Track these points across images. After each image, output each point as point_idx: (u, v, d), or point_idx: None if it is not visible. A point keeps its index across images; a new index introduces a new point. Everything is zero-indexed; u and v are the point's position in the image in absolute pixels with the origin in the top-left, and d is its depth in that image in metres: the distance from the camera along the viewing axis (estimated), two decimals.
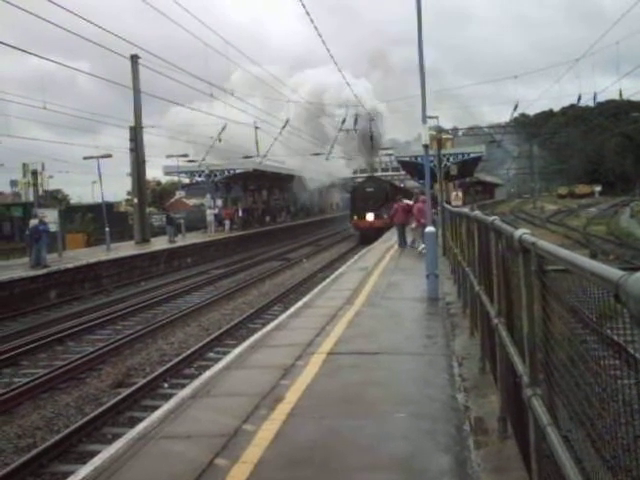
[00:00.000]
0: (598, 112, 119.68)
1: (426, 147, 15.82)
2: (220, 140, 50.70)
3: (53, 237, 31.71)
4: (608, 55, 41.26)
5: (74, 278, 26.85)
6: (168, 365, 13.61)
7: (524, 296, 4.06)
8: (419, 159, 35.50)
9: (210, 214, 47.55)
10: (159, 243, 39.44)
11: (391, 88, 62.64)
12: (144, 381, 12.50)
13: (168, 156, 47.69)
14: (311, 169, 59.97)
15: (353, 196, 51.58)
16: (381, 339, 10.76)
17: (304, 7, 19.48)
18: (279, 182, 62.08)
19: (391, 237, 35.41)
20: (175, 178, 55.24)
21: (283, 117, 53.08)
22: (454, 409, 7.08)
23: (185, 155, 47.86)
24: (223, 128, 49.91)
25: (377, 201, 47.96)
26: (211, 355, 14.76)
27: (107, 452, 6.35)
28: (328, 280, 19.54)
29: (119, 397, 11.42)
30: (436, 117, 32.97)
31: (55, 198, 76.03)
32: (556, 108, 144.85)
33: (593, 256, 23.60)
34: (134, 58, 38.09)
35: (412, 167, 46.36)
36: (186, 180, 54.91)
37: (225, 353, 12.45)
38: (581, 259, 2.63)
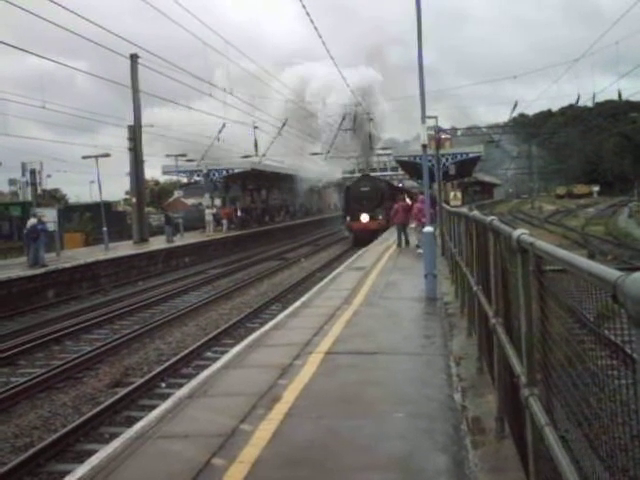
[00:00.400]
0: (597, 112, 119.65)
1: (425, 147, 15.82)
2: (219, 139, 50.75)
3: (51, 236, 31.71)
4: (607, 55, 41.29)
5: (72, 277, 26.83)
6: (166, 365, 13.60)
7: (522, 296, 4.06)
8: (417, 159, 35.52)
9: (208, 214, 47.53)
10: (157, 243, 39.42)
11: (388, 86, 62.38)
12: (141, 381, 12.49)
13: (167, 155, 47.71)
14: (309, 169, 59.85)
15: (347, 196, 48.70)
16: (379, 339, 10.76)
17: (304, 7, 19.49)
18: (277, 182, 62.04)
19: (388, 237, 35.41)
20: (174, 177, 55.14)
21: (271, 114, 52.48)
22: (452, 409, 7.07)
23: (183, 155, 47.85)
24: (222, 127, 49.96)
25: (372, 201, 45.47)
26: (209, 355, 14.75)
27: (104, 451, 6.34)
28: (326, 280, 19.53)
29: (116, 397, 11.41)
30: (435, 117, 32.89)
31: (53, 197, 76.05)
32: (554, 108, 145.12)
33: (591, 256, 23.62)
34: (133, 57, 38.08)
35: (411, 167, 46.38)
36: (185, 180, 54.94)
37: (223, 353, 12.43)
38: (579, 259, 2.62)
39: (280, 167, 59.60)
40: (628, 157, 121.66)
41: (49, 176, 75.74)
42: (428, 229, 15.50)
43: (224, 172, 48.14)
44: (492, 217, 6.44)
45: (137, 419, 8.33)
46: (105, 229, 36.16)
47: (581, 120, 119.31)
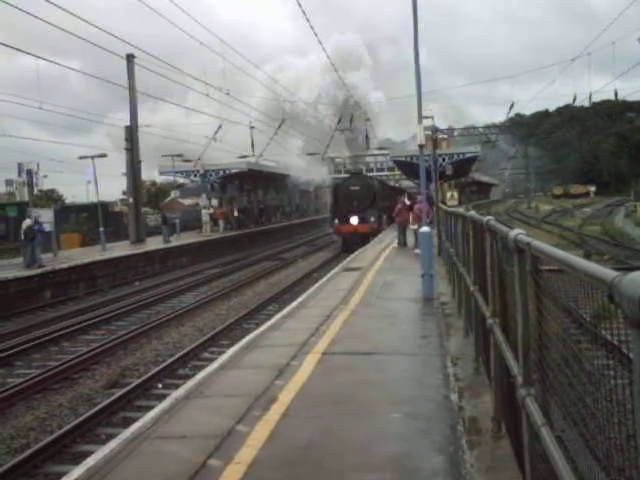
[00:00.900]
0: (593, 112, 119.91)
1: (421, 147, 15.84)
2: (215, 140, 50.71)
3: (48, 237, 31.68)
4: (603, 56, 41.36)
5: (69, 278, 26.80)
6: (162, 365, 13.59)
7: (519, 296, 4.05)
8: (414, 159, 35.53)
9: (205, 214, 47.50)
10: (154, 243, 39.38)
11: (381, 85, 62.20)
12: (138, 381, 12.48)
13: (163, 156, 47.64)
14: (305, 169, 59.56)
15: (335, 196, 44.40)
16: (376, 339, 10.75)
17: (300, 5, 19.50)
18: (274, 182, 61.96)
19: (384, 238, 35.42)
20: (170, 178, 55.03)
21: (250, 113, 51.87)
22: (448, 409, 7.07)
23: (180, 155, 47.80)
24: (219, 128, 49.93)
25: (363, 202, 41.44)
26: (205, 355, 14.74)
27: (101, 452, 6.33)
28: (323, 280, 19.53)
29: (113, 397, 11.41)
30: (431, 117, 32.91)
31: (50, 198, 75.92)
32: (550, 109, 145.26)
33: (587, 256, 23.65)
34: (130, 57, 38.06)
35: (407, 167, 46.29)
36: (181, 180, 54.90)
37: (219, 353, 12.42)
38: (575, 259, 2.62)
39: (276, 167, 59.54)
40: (625, 157, 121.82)
41: (45, 176, 75.69)
42: (425, 229, 15.50)
43: (221, 172, 48.09)
44: (489, 217, 6.44)
45: (134, 420, 8.31)
46: (102, 229, 36.12)
47: (578, 120, 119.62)
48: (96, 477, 5.71)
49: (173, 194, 58.78)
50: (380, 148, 67.95)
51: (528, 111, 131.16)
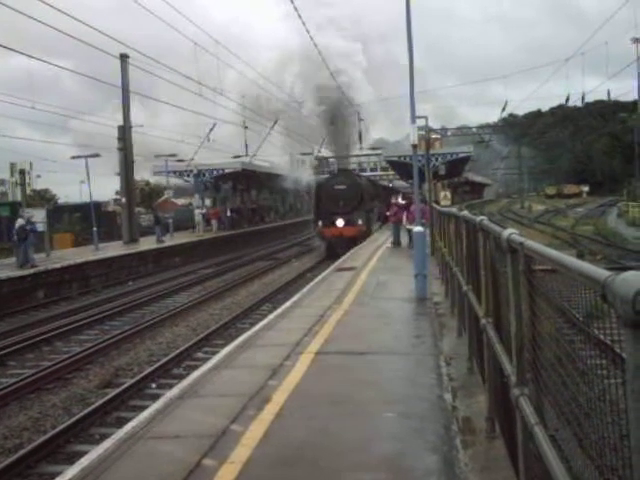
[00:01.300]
0: (586, 112, 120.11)
1: (415, 147, 15.85)
2: (209, 139, 50.63)
3: (40, 237, 31.61)
4: (596, 56, 41.50)
5: (62, 278, 26.74)
6: (156, 365, 13.58)
7: (512, 296, 4.07)
8: (408, 159, 35.55)
9: (198, 214, 47.43)
10: (147, 243, 39.31)
11: (372, 83, 61.68)
12: (132, 381, 12.47)
13: (156, 156, 47.54)
14: (297, 169, 59.32)
15: (317, 196, 39.87)
16: (369, 339, 10.77)
17: (292, 2, 19.49)
18: (268, 182, 61.86)
19: (378, 237, 35.46)
20: (164, 179, 54.90)
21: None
22: (442, 409, 7.09)
23: (174, 155, 47.71)
24: (212, 127, 49.84)
25: (350, 202, 37.32)
26: (199, 355, 14.73)
27: (95, 452, 6.33)
28: (317, 280, 19.53)
29: (107, 397, 11.39)
30: (425, 117, 32.89)
31: (43, 198, 75.70)
32: (542, 109, 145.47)
33: (580, 256, 23.68)
34: (123, 57, 37.97)
35: (401, 167, 46.23)
36: (174, 180, 54.74)
37: (213, 353, 12.42)
38: (568, 259, 2.63)
39: (270, 167, 59.44)
40: (617, 157, 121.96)
41: (39, 176, 75.41)
42: (418, 229, 15.52)
43: (214, 172, 48.01)
44: (482, 217, 6.46)
45: (127, 420, 8.30)
46: (95, 229, 36.06)
47: (571, 120, 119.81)
48: (90, 477, 5.70)
49: (166, 194, 58.66)
50: (373, 148, 67.92)
51: (521, 111, 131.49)
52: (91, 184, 36.74)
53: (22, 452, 9.12)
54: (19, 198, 50.95)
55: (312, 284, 18.58)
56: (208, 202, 51.15)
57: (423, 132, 29.53)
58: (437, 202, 34.37)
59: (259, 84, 46.46)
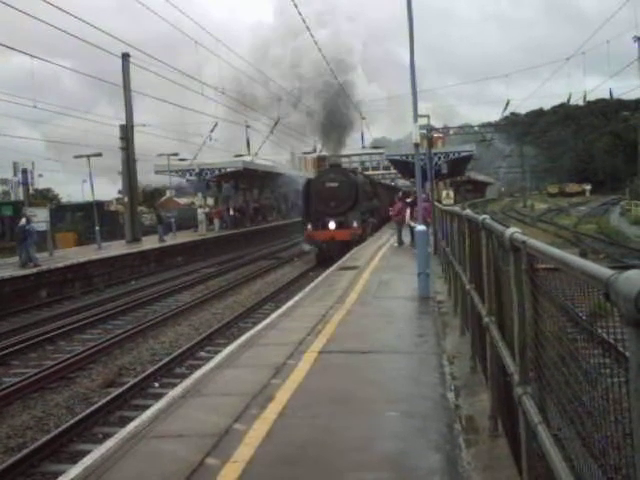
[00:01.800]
0: (588, 111, 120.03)
1: (417, 146, 15.84)
2: (211, 139, 50.63)
3: (43, 236, 31.66)
4: (598, 55, 41.42)
5: (65, 277, 26.77)
6: (159, 364, 13.58)
7: (515, 295, 4.07)
8: (410, 158, 35.49)
9: (201, 213, 47.44)
10: (150, 242, 39.33)
11: (372, 80, 61.22)
12: (135, 380, 12.48)
13: (159, 155, 47.56)
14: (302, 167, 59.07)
15: (306, 194, 35.38)
16: (372, 338, 10.77)
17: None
18: (270, 181, 61.83)
19: (381, 236, 35.42)
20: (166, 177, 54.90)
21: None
22: (445, 408, 7.09)
23: (176, 154, 47.74)
24: (214, 126, 49.83)
25: (343, 202, 33.67)
26: (202, 354, 14.74)
27: (98, 452, 6.33)
28: (319, 279, 19.52)
29: (110, 397, 11.40)
30: (427, 115, 32.78)
31: (45, 197, 75.84)
32: (544, 108, 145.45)
33: (583, 255, 23.68)
34: (125, 56, 37.99)
35: (403, 166, 46.17)
36: (177, 179, 54.80)
37: (216, 352, 12.42)
38: (571, 258, 2.63)
39: (272, 166, 59.44)
40: (620, 156, 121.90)
41: (41, 176, 75.58)
42: (421, 228, 15.52)
43: (216, 171, 48.00)
44: (484, 216, 6.45)
45: (130, 419, 8.31)
46: (97, 228, 36.10)
47: (573, 119, 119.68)
48: (93, 476, 5.71)
49: (169, 193, 58.71)
50: (375, 147, 67.94)
51: (523, 110, 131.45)
52: (94, 183, 36.79)
53: (25, 451, 9.13)
54: (22, 197, 51.02)
55: (314, 283, 18.57)
56: (210, 201, 51.13)
57: (425, 131, 29.51)
58: (439, 201, 34.39)
59: (245, 75, 43.82)
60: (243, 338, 11.56)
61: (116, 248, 35.72)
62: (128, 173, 40.72)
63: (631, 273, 1.88)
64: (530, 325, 3.73)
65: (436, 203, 26.29)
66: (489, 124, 77.77)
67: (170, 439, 6.51)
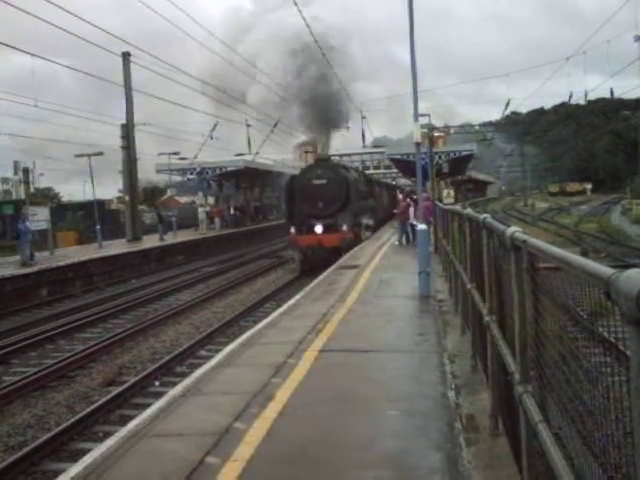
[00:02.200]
0: (589, 110, 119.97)
1: (418, 145, 15.83)
2: (212, 138, 50.62)
3: (44, 235, 31.72)
4: (598, 54, 41.43)
5: (65, 276, 26.79)
6: (159, 363, 13.60)
7: (515, 294, 4.06)
8: (411, 157, 35.48)
9: (201, 212, 47.45)
10: (150, 241, 39.36)
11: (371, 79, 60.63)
12: (135, 379, 12.49)
13: (160, 154, 47.57)
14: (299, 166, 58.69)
15: (290, 193, 31.32)
16: (373, 337, 10.76)
17: None
18: (271, 179, 61.79)
19: (381, 235, 35.40)
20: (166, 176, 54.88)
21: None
22: (445, 407, 7.08)
23: (176, 153, 47.75)
24: (215, 126, 49.81)
25: (332, 201, 29.75)
26: (202, 353, 14.75)
27: (98, 450, 6.33)
28: (320, 278, 19.51)
29: (110, 395, 11.41)
30: (428, 115, 32.74)
31: (46, 196, 75.87)
32: (545, 107, 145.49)
33: (584, 254, 23.66)
34: (125, 55, 38.00)
35: (404, 165, 46.18)
36: (177, 178, 54.81)
37: (217, 351, 12.42)
38: (572, 257, 2.63)
39: (272, 165, 59.46)
40: (620, 155, 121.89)
41: (42, 174, 75.67)
42: (422, 227, 15.52)
43: (217, 170, 48.01)
44: (485, 215, 6.44)
45: (131, 418, 8.31)
46: (98, 227, 36.13)
47: (574, 118, 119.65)
48: (93, 475, 5.71)
49: (169, 192, 58.73)
50: (376, 146, 67.92)
51: (524, 109, 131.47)
52: (95, 182, 36.81)
53: (26, 450, 9.14)
54: (23, 196, 51.05)
55: (315, 282, 18.56)
56: (211, 200, 51.13)
57: (426, 130, 29.48)
58: (440, 200, 34.36)
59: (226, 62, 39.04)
60: (244, 337, 11.56)
61: (117, 247, 35.76)
62: (129, 172, 40.75)
63: (632, 272, 1.88)
64: (531, 324, 3.73)
65: (437, 202, 26.26)
66: (490, 123, 77.70)
67: (170, 438, 6.50)
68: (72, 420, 10.24)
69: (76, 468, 5.94)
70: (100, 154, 36.43)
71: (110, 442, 6.52)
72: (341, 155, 63.59)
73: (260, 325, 12.66)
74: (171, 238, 40.55)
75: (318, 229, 29.22)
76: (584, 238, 36.24)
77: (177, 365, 13.82)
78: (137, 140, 40.71)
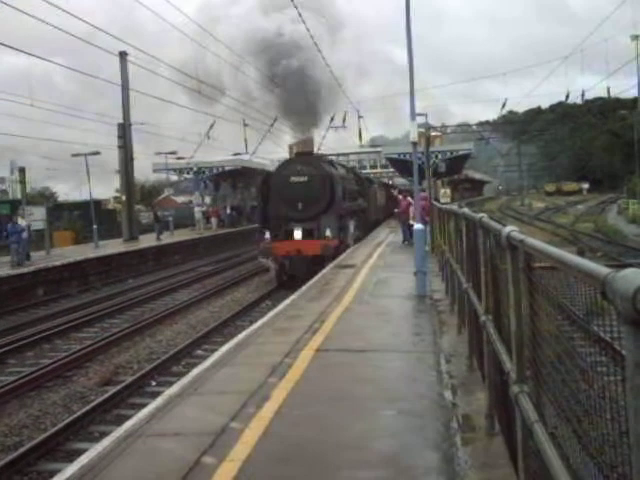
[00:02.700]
0: (586, 109, 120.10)
1: (414, 144, 15.83)
2: (209, 137, 50.60)
3: (40, 235, 31.70)
4: (595, 53, 41.52)
5: (61, 275, 26.76)
6: (156, 363, 13.60)
7: (512, 293, 4.06)
8: (408, 156, 35.46)
9: (198, 211, 47.45)
10: (147, 240, 39.34)
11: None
12: (132, 379, 12.48)
13: (157, 153, 47.55)
14: None
15: (264, 192, 26.90)
16: (369, 336, 10.76)
17: None
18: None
19: (378, 235, 35.40)
20: (163, 175, 54.89)
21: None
22: (442, 406, 7.08)
23: (174, 152, 47.72)
24: (211, 125, 49.78)
25: (314, 203, 25.46)
26: (199, 353, 14.74)
27: (94, 450, 6.32)
28: (316, 278, 19.49)
29: (106, 395, 11.41)
30: (425, 114, 32.74)
31: (42, 195, 75.76)
32: (542, 106, 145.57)
33: (580, 253, 23.69)
34: (122, 54, 37.95)
35: (401, 164, 46.19)
36: (174, 177, 54.83)
37: (213, 351, 12.41)
38: (568, 256, 2.63)
39: (270, 165, 59.39)
40: (617, 154, 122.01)
41: (38, 174, 75.39)
42: (419, 226, 15.51)
43: (214, 170, 48.00)
44: (482, 214, 6.44)
45: (127, 417, 8.29)
46: (95, 227, 36.10)
47: (570, 117, 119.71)
48: (89, 475, 5.70)
49: (166, 191, 58.71)
50: (373, 145, 67.90)
51: (521, 108, 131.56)
52: (91, 182, 36.79)
53: (22, 450, 9.13)
54: (19, 196, 51.00)
55: (312, 282, 18.55)
56: (208, 200, 51.12)
57: (423, 129, 29.49)
58: (437, 199, 34.35)
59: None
60: (240, 336, 11.55)
61: (113, 246, 35.75)
62: (125, 171, 40.71)
63: (628, 272, 1.87)
64: (527, 323, 3.73)
65: (434, 202, 26.26)
66: (487, 123, 77.81)
67: (167, 438, 6.49)
68: (68, 420, 10.23)
69: (72, 468, 5.92)
70: (97, 153, 36.41)
71: (106, 442, 6.50)
72: (338, 155, 63.52)
73: (256, 325, 12.65)
74: (168, 238, 40.52)
75: (297, 235, 25.41)
76: (581, 238, 36.28)
77: (173, 365, 13.82)
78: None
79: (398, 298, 14.61)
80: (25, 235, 28.18)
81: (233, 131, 53.63)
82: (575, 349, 2.77)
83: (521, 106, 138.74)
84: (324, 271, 20.67)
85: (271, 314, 13.75)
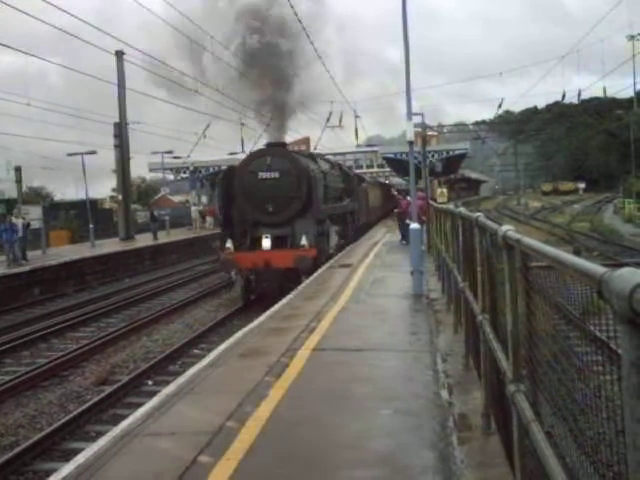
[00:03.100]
0: (582, 109, 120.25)
1: (411, 143, 15.82)
2: (205, 136, 50.56)
3: (36, 234, 31.65)
4: (592, 53, 41.58)
5: (58, 275, 26.71)
6: (152, 362, 13.59)
7: (508, 293, 4.07)
8: (404, 156, 35.47)
9: (194, 211, 47.43)
10: (143, 240, 39.30)
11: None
12: (128, 378, 12.47)
13: (153, 152, 47.50)
14: None
15: (226, 191, 21.92)
16: (366, 336, 10.76)
17: None
18: None
19: (375, 234, 35.38)
20: (160, 175, 54.80)
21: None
22: (438, 405, 7.08)
23: (170, 152, 47.67)
24: (207, 126, 49.72)
25: (287, 203, 21.16)
26: (196, 352, 14.72)
27: (90, 450, 6.31)
28: (312, 277, 19.48)
29: (103, 394, 11.40)
30: (421, 114, 32.71)
31: (39, 195, 75.66)
32: (538, 106, 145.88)
33: (577, 253, 23.72)
34: (119, 54, 37.87)
35: (397, 164, 46.22)
36: (171, 177, 54.78)
37: (210, 350, 12.40)
38: (565, 256, 2.63)
39: None
40: (613, 154, 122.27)
41: (34, 173, 75.23)
42: (415, 226, 15.51)
43: (211, 169, 47.96)
44: (478, 214, 6.45)
45: (123, 417, 8.28)
46: (91, 226, 36.06)
47: (567, 117, 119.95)
48: (85, 474, 5.69)
49: (163, 191, 58.67)
50: (369, 145, 67.88)
51: (517, 108, 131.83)
52: (87, 181, 36.75)
53: (18, 449, 9.11)
54: (15, 195, 50.91)
55: (308, 281, 18.54)
56: (204, 199, 51.09)
57: (419, 129, 29.48)
58: (433, 199, 34.39)
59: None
60: (237, 335, 11.55)
61: (109, 246, 35.71)
62: (122, 171, 40.66)
63: (624, 271, 1.88)
64: (523, 323, 3.73)
65: (430, 201, 26.27)
66: (483, 122, 77.88)
67: (163, 437, 6.49)
68: (64, 419, 10.22)
69: (68, 468, 5.92)
70: (93, 153, 36.36)
71: (103, 441, 6.50)
72: (335, 154, 63.48)
73: (253, 324, 12.64)
74: (164, 237, 40.48)
75: (266, 243, 20.95)
76: (577, 237, 36.34)
77: (170, 364, 13.81)
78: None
79: (395, 297, 14.61)
80: (20, 234, 28.09)
81: (230, 130, 53.61)
82: (571, 348, 2.77)
83: (517, 106, 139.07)
84: (320, 270, 20.55)
85: (267, 313, 13.75)
